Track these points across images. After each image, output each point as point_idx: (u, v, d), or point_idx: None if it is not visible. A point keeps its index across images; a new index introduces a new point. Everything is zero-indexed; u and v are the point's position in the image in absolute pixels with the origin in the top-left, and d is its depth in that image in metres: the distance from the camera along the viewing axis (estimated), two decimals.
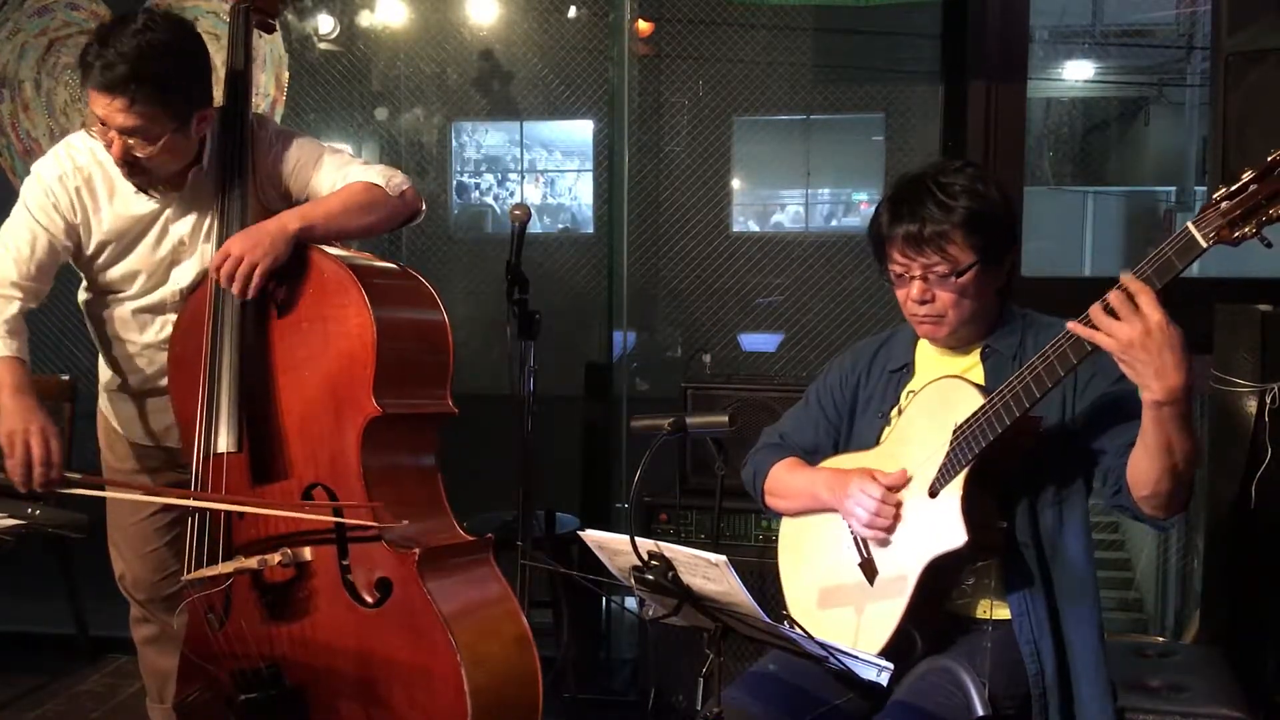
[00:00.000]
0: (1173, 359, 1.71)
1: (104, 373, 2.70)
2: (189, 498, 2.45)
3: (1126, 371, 1.76)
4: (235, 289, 2.36)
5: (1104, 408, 2.01)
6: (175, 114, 2.37)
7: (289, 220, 2.42)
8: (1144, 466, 1.85)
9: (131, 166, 2.42)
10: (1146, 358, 1.72)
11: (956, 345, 2.16)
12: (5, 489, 2.42)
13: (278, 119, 4.03)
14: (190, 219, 2.55)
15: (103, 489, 2.55)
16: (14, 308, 2.44)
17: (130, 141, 2.36)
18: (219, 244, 2.46)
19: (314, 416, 2.41)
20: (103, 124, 2.36)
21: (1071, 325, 1.80)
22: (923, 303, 2.08)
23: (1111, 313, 1.74)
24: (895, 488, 2.06)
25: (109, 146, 2.40)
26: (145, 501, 2.63)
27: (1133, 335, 1.72)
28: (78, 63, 2.39)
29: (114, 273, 2.57)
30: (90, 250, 2.54)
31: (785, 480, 2.31)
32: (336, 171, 2.55)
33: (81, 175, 2.50)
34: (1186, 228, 1.72)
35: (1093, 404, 2.02)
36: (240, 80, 2.57)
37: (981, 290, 2.07)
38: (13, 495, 2.42)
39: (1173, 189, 13.05)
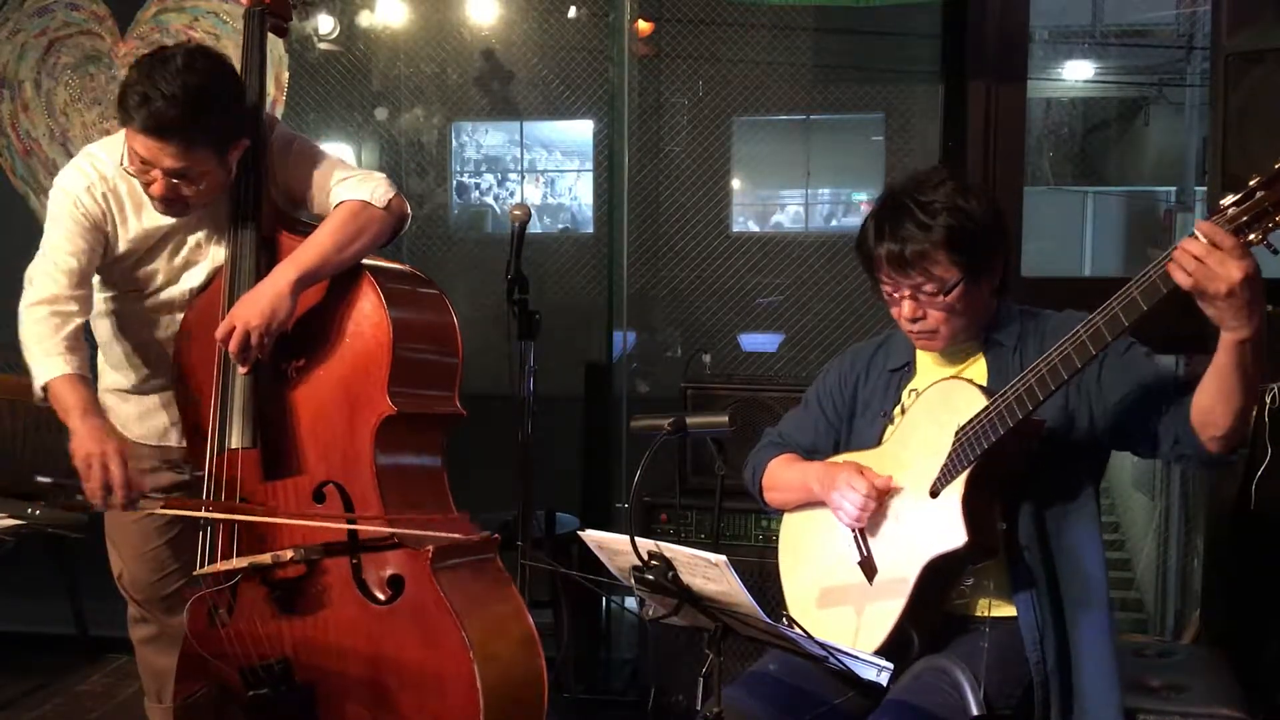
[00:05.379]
0: (1259, 299, 1.70)
1: (105, 373, 2.70)
2: (278, 515, 2.41)
3: (1208, 311, 1.73)
4: (247, 358, 2.37)
5: (1132, 375, 2.00)
6: (218, 152, 2.39)
7: (286, 275, 2.40)
8: (1221, 407, 1.83)
9: (170, 203, 2.43)
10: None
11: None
12: (79, 507, 2.41)
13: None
14: (208, 225, 2.58)
15: (181, 508, 2.47)
16: (73, 324, 2.42)
17: (175, 181, 2.37)
18: (231, 253, 2.50)
19: (327, 414, 2.43)
20: (144, 163, 2.36)
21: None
22: (914, 320, 2.09)
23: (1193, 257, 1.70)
24: (882, 490, 2.07)
25: (149, 186, 2.39)
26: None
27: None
28: (116, 101, 2.38)
29: (130, 275, 2.58)
30: (113, 257, 2.55)
31: (780, 474, 2.32)
32: (329, 186, 2.55)
33: (107, 184, 2.50)
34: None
35: (1116, 376, 2.01)
36: (255, 86, 2.57)
37: (972, 302, 2.07)
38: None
39: (1172, 189, 13.05)
